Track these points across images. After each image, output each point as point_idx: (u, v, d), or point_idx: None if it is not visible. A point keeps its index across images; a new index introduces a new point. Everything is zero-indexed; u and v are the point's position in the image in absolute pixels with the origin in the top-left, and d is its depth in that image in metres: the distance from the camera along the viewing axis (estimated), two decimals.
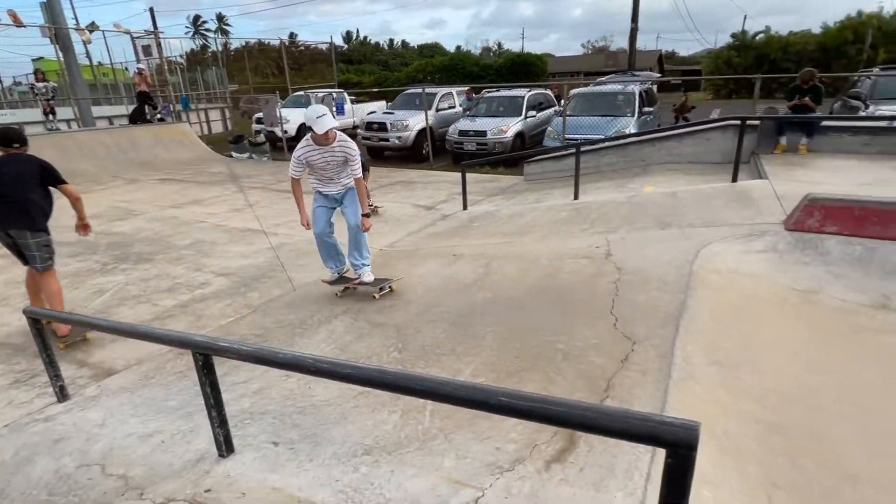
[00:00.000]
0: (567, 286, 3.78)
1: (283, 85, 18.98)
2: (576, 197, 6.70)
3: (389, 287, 4.18)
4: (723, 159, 7.41)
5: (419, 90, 13.09)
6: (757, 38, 28.95)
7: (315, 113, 3.74)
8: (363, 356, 3.16)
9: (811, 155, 7.15)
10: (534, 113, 12.10)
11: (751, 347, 2.75)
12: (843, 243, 3.85)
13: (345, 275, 4.36)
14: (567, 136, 9.77)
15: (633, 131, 9.53)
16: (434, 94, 13.49)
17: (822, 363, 2.69)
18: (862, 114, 9.09)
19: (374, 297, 4.07)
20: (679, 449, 1.14)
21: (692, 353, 2.57)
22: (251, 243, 6.03)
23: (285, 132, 13.21)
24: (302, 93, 14.92)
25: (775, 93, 17.99)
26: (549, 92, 13.90)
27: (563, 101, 11.19)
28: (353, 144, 3.91)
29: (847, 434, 2.15)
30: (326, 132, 3.71)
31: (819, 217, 4.02)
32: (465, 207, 7.19)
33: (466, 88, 15.59)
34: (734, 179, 6.12)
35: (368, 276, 4.18)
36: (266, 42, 32.95)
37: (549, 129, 10.79)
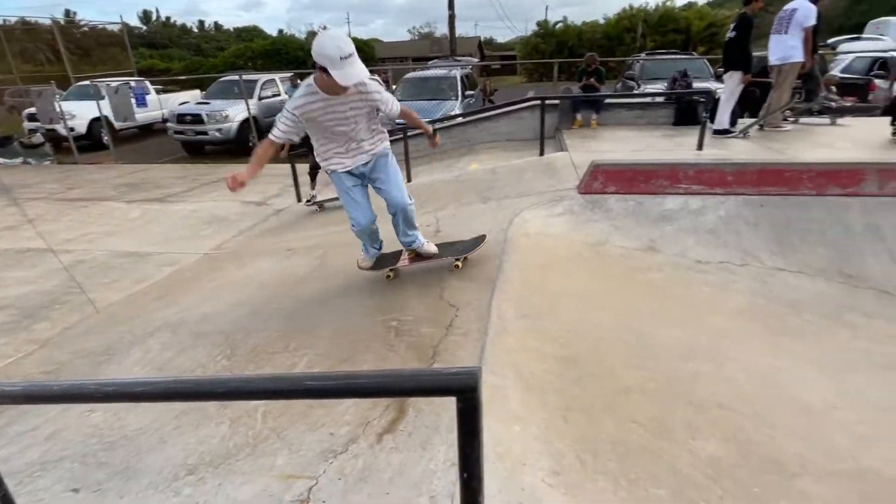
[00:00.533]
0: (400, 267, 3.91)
1: (64, 73, 15.90)
2: (408, 179, 6.91)
3: (465, 256, 3.51)
4: (533, 135, 8.26)
5: (237, 77, 12.07)
6: (557, 26, 32.69)
7: (338, 51, 2.37)
8: (187, 371, 2.88)
9: (601, 128, 8.38)
10: None
11: (554, 297, 3.18)
12: (620, 200, 4.63)
13: (384, 253, 3.61)
14: (398, 121, 9.93)
15: (458, 113, 10.11)
16: (255, 82, 12.58)
17: (606, 301, 3.24)
18: (635, 92, 10.97)
19: (456, 266, 3.47)
20: (466, 394, 1.27)
21: (506, 310, 2.87)
22: (34, 266, 5.02)
23: (72, 129, 11.12)
24: (89, 82, 12.62)
25: (575, 75, 20.66)
26: (378, 77, 13.93)
27: (393, 86, 11.33)
28: (375, 86, 2.76)
29: (622, 355, 2.64)
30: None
31: (602, 180, 4.76)
32: (298, 200, 6.93)
33: (290, 75, 14.80)
34: (541, 153, 6.90)
35: (431, 247, 3.48)
36: (34, 21, 26.77)
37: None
